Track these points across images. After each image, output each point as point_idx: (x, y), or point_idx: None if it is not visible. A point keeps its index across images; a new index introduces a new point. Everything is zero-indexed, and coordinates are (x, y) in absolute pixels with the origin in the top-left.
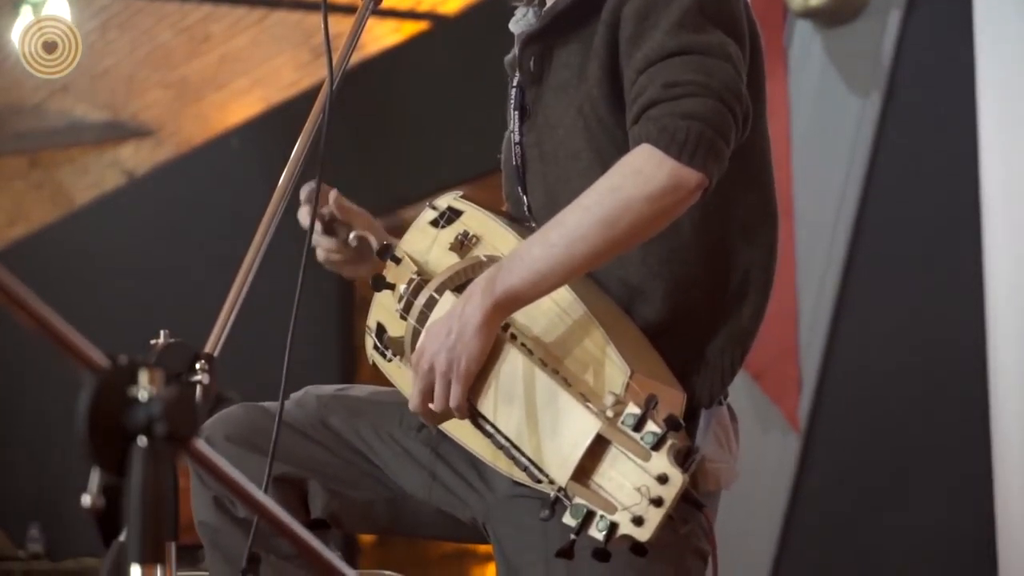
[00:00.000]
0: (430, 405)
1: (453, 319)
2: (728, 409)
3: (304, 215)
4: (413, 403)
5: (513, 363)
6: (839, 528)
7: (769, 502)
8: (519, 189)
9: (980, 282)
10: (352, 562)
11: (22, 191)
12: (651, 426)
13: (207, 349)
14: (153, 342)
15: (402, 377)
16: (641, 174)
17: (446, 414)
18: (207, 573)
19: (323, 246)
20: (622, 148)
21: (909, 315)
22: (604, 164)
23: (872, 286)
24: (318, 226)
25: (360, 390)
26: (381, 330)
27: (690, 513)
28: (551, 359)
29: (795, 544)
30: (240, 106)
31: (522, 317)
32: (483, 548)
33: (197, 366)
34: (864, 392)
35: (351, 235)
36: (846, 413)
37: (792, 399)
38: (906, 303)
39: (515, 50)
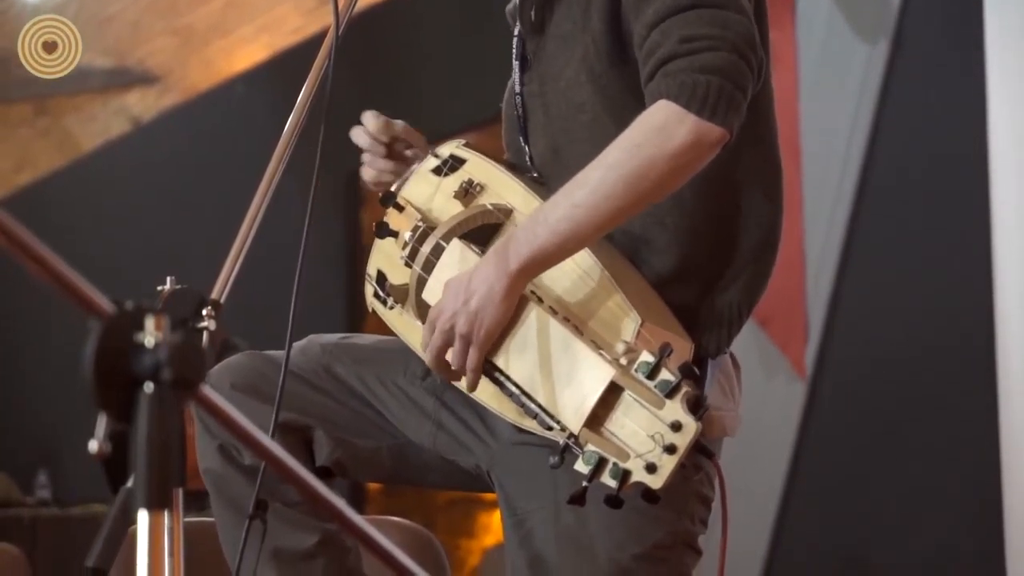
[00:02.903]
0: (447, 360)
1: (476, 281)
2: (731, 357)
3: (358, 134)
4: (429, 359)
5: (525, 312)
6: (844, 474)
7: (775, 449)
8: (520, 139)
9: (987, 227)
10: (359, 509)
11: (28, 138)
12: (665, 374)
13: (214, 295)
14: (160, 288)
15: (404, 324)
16: (664, 131)
17: (460, 372)
18: (214, 519)
19: (378, 167)
20: (622, 101)
21: (916, 262)
22: (607, 117)
23: (879, 233)
24: (379, 149)
25: (364, 338)
26: (382, 277)
27: (701, 461)
28: (562, 308)
29: (800, 490)
30: (246, 52)
31: None
32: (489, 496)
33: (204, 312)
34: (870, 339)
35: (409, 153)
36: (852, 360)
37: (799, 346)
38: (913, 250)
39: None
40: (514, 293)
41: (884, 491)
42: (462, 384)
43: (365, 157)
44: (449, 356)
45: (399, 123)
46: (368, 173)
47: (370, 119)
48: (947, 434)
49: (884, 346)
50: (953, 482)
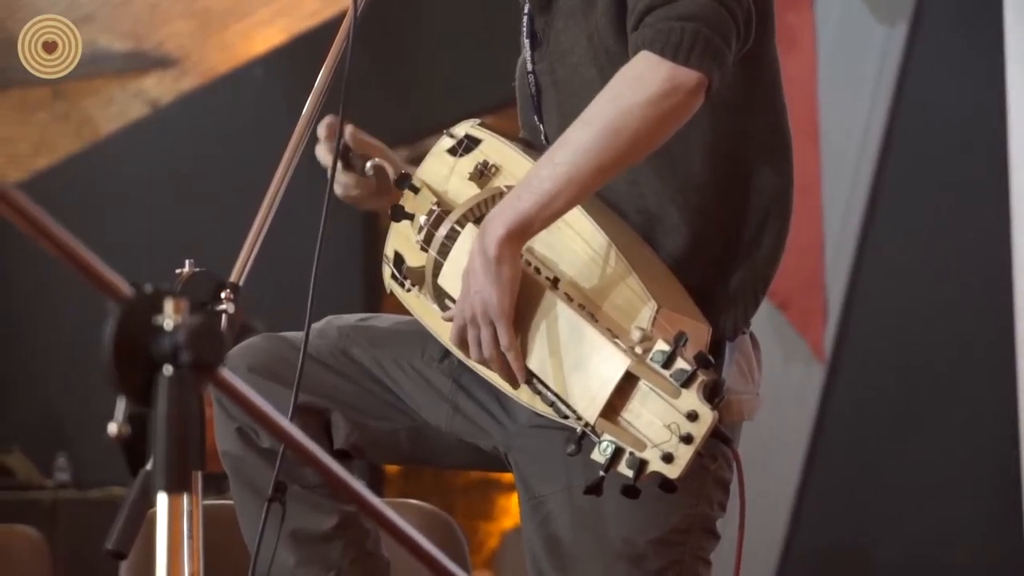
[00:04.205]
0: (483, 354)
1: (473, 262)
2: (751, 337)
3: (323, 152)
4: (475, 356)
5: (540, 299)
6: (863, 458)
7: (793, 432)
8: (535, 117)
9: (1006, 209)
10: (378, 491)
11: (46, 122)
12: (680, 363)
13: (232, 278)
14: (178, 271)
15: (421, 307)
16: (639, 80)
17: (499, 359)
18: (232, 502)
19: (341, 181)
20: None
21: (935, 244)
22: None
23: (898, 214)
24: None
25: (381, 320)
26: (399, 259)
27: (717, 447)
28: (576, 293)
29: (819, 473)
30: (263, 36)
31: (546, 251)
32: (507, 477)
33: (222, 295)
34: (889, 322)
35: (367, 165)
36: (871, 343)
37: (817, 329)
38: (932, 231)
39: None
40: (508, 259)
41: (903, 475)
42: (478, 364)
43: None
44: (482, 345)
45: (347, 130)
46: (336, 189)
47: (320, 128)
48: (966, 418)
49: (903, 329)
50: (972, 465)
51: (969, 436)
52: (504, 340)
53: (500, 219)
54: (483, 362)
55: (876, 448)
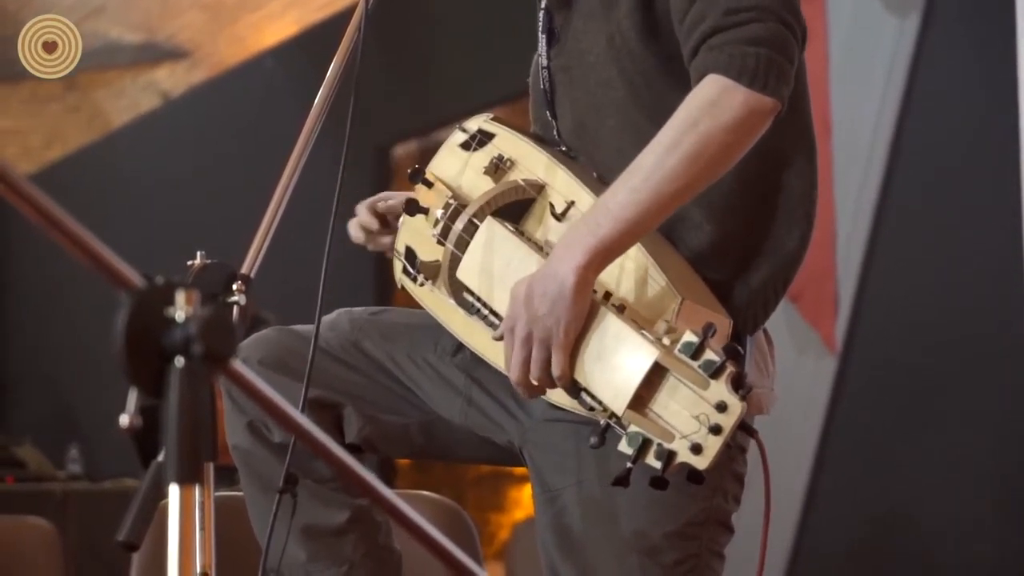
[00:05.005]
0: (529, 375)
1: (545, 283)
2: (764, 333)
3: (354, 226)
4: (514, 375)
5: None
6: (874, 450)
7: (804, 424)
8: (547, 113)
9: (1018, 201)
10: (389, 483)
11: (58, 113)
12: (709, 354)
13: (243, 270)
14: (190, 263)
15: (434, 301)
16: (717, 106)
17: (547, 384)
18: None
19: (383, 244)
20: (652, 79)
21: (947, 235)
22: (636, 93)
23: (909, 207)
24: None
25: (393, 313)
26: (411, 254)
27: (744, 440)
28: (601, 287)
29: (830, 465)
30: (275, 28)
31: None
32: (519, 470)
33: (234, 287)
34: (901, 314)
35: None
36: (883, 335)
37: (829, 321)
38: (944, 223)
39: None
40: (586, 287)
41: (914, 467)
42: (496, 357)
43: (361, 239)
44: (532, 367)
45: (390, 200)
46: (370, 246)
47: (363, 212)
48: (978, 410)
49: (914, 321)
50: (984, 458)
51: (981, 428)
52: (558, 370)
53: (580, 246)
54: (525, 386)
55: (887, 440)
